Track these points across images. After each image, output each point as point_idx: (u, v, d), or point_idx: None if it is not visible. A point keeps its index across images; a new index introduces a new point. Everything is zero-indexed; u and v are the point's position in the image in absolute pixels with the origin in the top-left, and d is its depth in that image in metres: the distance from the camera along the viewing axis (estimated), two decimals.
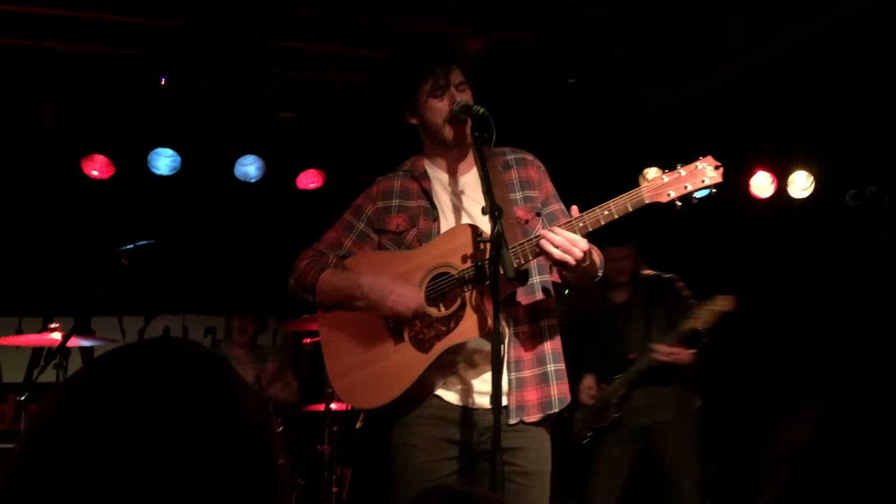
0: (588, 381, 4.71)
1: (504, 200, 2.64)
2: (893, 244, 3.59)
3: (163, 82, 4.96)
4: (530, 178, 2.86)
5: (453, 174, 2.87)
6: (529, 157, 2.92)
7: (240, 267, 6.01)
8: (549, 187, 2.90)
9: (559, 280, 2.81)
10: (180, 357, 0.92)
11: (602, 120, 5.54)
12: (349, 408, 4.45)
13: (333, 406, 4.79)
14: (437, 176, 2.88)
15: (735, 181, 5.77)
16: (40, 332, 4.88)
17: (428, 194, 2.83)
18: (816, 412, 0.94)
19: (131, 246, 4.61)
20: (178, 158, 5.21)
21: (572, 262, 2.47)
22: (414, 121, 2.88)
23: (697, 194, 2.51)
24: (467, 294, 2.62)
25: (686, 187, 2.50)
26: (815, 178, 5.63)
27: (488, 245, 2.51)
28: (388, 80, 2.96)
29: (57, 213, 5.56)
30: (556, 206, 2.87)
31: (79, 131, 5.08)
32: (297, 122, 5.46)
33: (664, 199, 2.51)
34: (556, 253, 2.47)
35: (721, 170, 2.51)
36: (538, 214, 2.82)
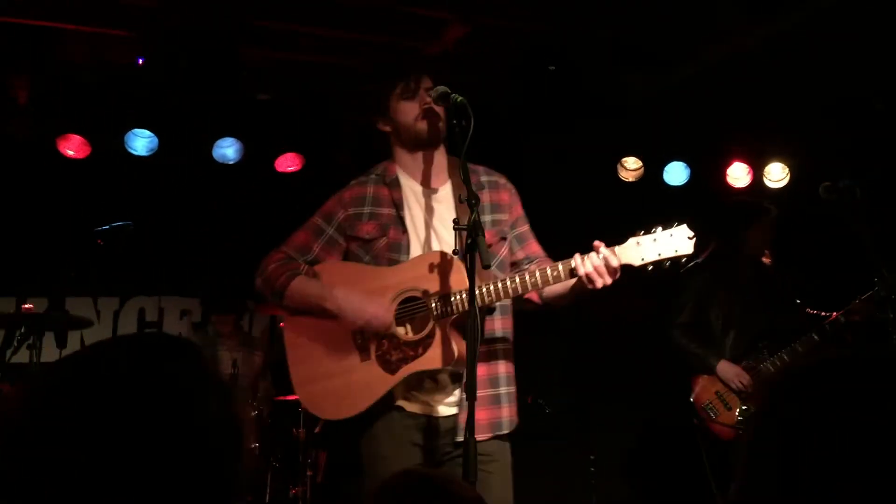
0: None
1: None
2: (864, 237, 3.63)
3: (140, 62, 4.90)
4: (501, 201, 2.90)
5: (427, 184, 2.87)
6: (502, 180, 2.97)
7: (217, 249, 5.97)
8: (519, 210, 2.95)
9: (538, 300, 2.82)
10: (153, 352, 0.94)
11: (583, 108, 5.54)
12: None
13: None
14: (410, 185, 2.87)
15: (712, 171, 5.82)
16: (13, 312, 4.83)
17: (398, 205, 2.82)
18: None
19: (107, 227, 4.58)
20: (156, 139, 5.15)
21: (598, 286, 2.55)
22: (387, 128, 2.89)
23: (669, 262, 2.55)
24: (437, 324, 2.65)
25: (659, 254, 2.54)
26: (790, 170, 5.68)
27: (456, 272, 2.59)
28: (361, 90, 3.02)
29: (32, 193, 5.49)
30: (525, 227, 2.94)
31: (55, 110, 5.01)
32: (277, 105, 5.42)
33: (637, 263, 2.55)
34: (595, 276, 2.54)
35: (694, 240, 2.53)
36: (503, 238, 2.86)
